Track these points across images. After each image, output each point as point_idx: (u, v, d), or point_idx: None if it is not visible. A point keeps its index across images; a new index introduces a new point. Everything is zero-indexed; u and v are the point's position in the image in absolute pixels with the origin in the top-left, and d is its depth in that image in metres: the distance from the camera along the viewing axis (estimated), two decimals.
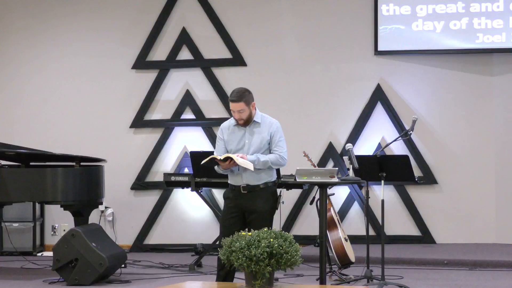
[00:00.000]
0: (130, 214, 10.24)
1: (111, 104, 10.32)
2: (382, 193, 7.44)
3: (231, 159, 6.39)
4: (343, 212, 9.95)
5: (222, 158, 6.42)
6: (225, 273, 6.42)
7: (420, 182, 9.68)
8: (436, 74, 9.97)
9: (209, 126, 10.19)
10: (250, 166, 6.38)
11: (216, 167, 6.62)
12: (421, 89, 10.00)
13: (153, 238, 10.25)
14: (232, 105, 6.53)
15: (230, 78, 10.15)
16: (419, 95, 10.01)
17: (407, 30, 9.88)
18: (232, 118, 6.66)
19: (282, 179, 7.50)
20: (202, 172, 8.53)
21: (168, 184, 9.14)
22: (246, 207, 6.52)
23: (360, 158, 7.15)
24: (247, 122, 6.57)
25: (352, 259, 8.05)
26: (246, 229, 5.83)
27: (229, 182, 6.64)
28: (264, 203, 6.52)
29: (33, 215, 9.91)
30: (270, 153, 6.57)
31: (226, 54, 10.22)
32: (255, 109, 6.60)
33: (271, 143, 6.58)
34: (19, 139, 9.85)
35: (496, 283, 7.85)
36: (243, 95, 6.50)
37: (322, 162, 9.98)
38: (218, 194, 9.94)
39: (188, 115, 10.27)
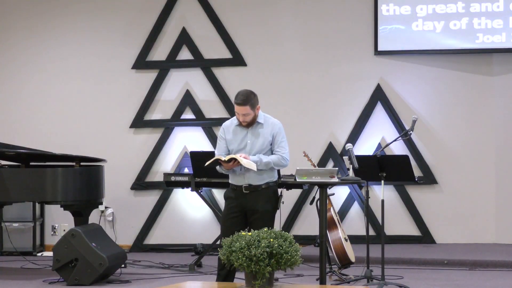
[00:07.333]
0: (130, 214, 10.23)
1: (111, 104, 10.32)
2: (382, 193, 7.44)
3: (235, 159, 6.38)
4: (343, 212, 9.95)
5: (226, 159, 6.41)
6: (225, 273, 6.41)
7: (420, 182, 9.67)
8: (436, 74, 9.97)
9: (209, 126, 10.19)
10: (254, 167, 6.37)
11: (218, 167, 6.60)
12: (421, 89, 10.00)
13: (153, 238, 10.24)
14: (237, 108, 6.48)
15: (230, 78, 10.15)
16: (419, 95, 10.01)
17: (407, 30, 9.88)
18: (234, 117, 6.64)
19: (282, 179, 7.49)
20: (202, 172, 8.52)
21: (168, 184, 9.14)
22: (248, 207, 6.51)
23: (360, 158, 7.13)
24: (250, 123, 6.56)
25: (352, 259, 8.05)
26: (247, 229, 5.82)
27: (230, 182, 6.62)
28: (266, 203, 6.52)
29: (33, 215, 9.91)
30: (272, 153, 6.56)
31: (226, 54, 10.22)
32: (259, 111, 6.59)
33: (273, 144, 6.57)
34: (19, 139, 9.85)
35: (496, 283, 7.85)
36: (249, 99, 6.44)
37: (322, 162, 9.98)
38: (218, 194, 9.94)
39: (188, 115, 10.27)
